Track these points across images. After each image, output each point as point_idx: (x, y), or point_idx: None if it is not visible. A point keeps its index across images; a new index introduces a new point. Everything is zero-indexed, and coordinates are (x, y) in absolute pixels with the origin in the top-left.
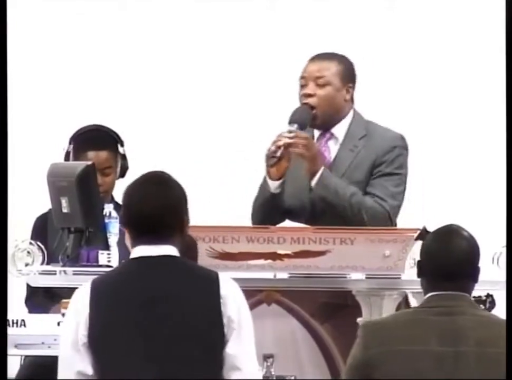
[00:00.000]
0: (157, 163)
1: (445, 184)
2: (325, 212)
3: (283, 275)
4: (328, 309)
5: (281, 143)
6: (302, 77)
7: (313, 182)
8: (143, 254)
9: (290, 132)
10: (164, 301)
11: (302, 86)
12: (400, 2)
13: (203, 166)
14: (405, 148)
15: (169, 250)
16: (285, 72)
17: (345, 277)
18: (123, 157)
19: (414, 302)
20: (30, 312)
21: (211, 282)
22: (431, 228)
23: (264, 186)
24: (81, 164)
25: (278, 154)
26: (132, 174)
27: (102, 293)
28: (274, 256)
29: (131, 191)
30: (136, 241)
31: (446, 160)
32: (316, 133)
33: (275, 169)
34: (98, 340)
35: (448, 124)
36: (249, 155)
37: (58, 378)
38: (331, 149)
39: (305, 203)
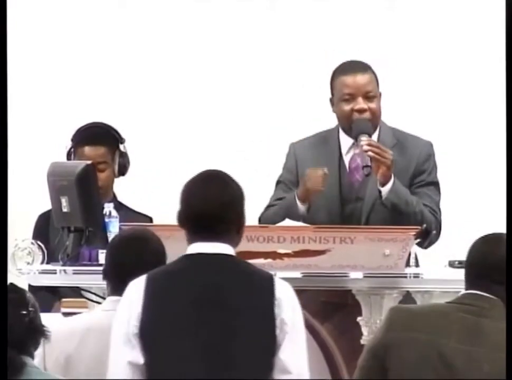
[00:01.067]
0: (157, 162)
1: (444, 186)
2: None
3: (283, 274)
4: (328, 308)
5: (371, 154)
6: (348, 94)
7: (386, 190)
8: (200, 250)
9: (368, 140)
10: (218, 299)
11: (347, 100)
12: (400, 2)
13: (203, 166)
14: (434, 155)
15: (226, 248)
16: (285, 72)
17: (345, 276)
18: (123, 154)
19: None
20: None
21: (266, 283)
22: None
23: (290, 206)
24: (80, 164)
25: (369, 163)
26: (132, 174)
27: (157, 286)
28: (274, 255)
29: (190, 188)
30: (193, 238)
31: (444, 161)
32: (350, 141)
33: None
34: (149, 332)
35: (446, 124)
36: (249, 155)
37: (109, 367)
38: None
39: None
